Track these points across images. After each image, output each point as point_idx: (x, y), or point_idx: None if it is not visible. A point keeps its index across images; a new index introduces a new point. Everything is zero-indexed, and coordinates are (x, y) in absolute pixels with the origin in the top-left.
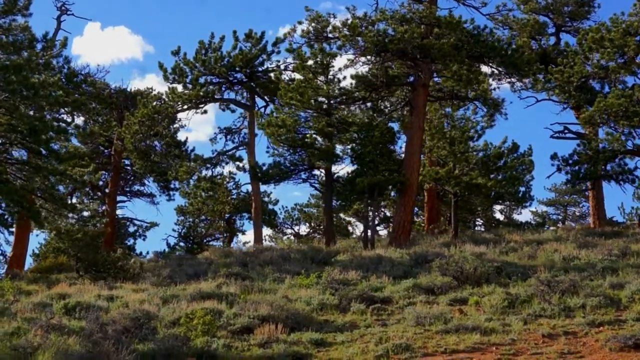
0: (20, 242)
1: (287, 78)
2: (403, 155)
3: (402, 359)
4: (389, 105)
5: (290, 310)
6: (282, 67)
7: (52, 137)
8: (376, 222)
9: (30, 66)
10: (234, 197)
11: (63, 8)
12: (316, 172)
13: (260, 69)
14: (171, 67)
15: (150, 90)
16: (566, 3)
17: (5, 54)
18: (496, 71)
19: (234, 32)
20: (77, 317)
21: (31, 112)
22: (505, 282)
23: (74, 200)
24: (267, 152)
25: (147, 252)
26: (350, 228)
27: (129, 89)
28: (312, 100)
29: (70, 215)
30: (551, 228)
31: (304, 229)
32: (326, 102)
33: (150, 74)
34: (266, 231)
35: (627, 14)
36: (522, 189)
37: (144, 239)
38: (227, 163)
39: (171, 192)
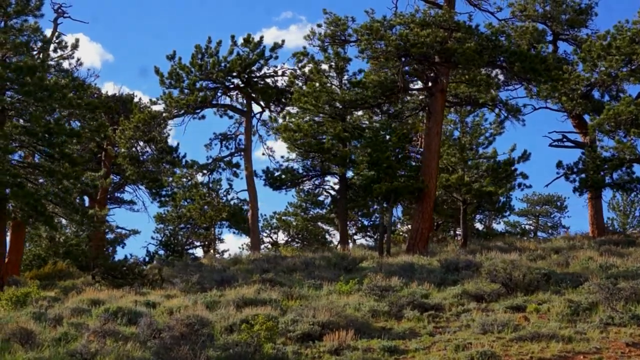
0: (16, 248)
1: (284, 84)
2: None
3: None
4: (404, 111)
5: (349, 317)
6: (279, 72)
7: (65, 141)
8: (354, 230)
9: (44, 67)
10: (230, 203)
11: (60, 11)
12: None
13: (257, 74)
14: (167, 71)
15: (133, 95)
16: (564, 11)
17: (17, 54)
18: (507, 77)
19: (232, 36)
20: (120, 322)
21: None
22: (556, 289)
23: None
24: (271, 158)
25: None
26: (328, 237)
27: (119, 94)
28: (327, 105)
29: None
30: (560, 236)
31: (282, 237)
32: (341, 106)
33: (108, 82)
34: (244, 239)
35: (631, 21)
36: (502, 198)
37: (123, 247)
38: (224, 169)
39: (162, 199)
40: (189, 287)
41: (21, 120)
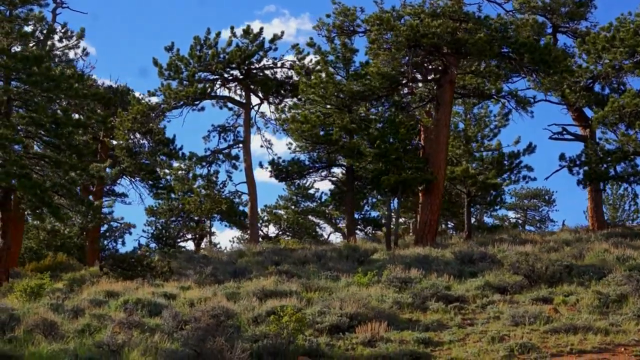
0: (15, 240)
1: (283, 76)
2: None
3: (529, 358)
4: (410, 102)
5: (376, 308)
6: (279, 64)
7: (72, 131)
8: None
9: (50, 57)
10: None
11: (58, 1)
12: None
13: (257, 65)
14: (166, 63)
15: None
16: (564, 3)
17: (24, 44)
18: (511, 69)
19: (232, 27)
20: (141, 314)
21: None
22: (579, 281)
23: None
24: (270, 150)
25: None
26: (318, 229)
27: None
28: (334, 97)
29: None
30: (561, 229)
31: (272, 230)
32: (348, 98)
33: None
34: (235, 232)
35: (634, 14)
36: (494, 192)
37: (114, 239)
38: (223, 161)
39: (159, 192)
40: (203, 279)
41: (21, 110)
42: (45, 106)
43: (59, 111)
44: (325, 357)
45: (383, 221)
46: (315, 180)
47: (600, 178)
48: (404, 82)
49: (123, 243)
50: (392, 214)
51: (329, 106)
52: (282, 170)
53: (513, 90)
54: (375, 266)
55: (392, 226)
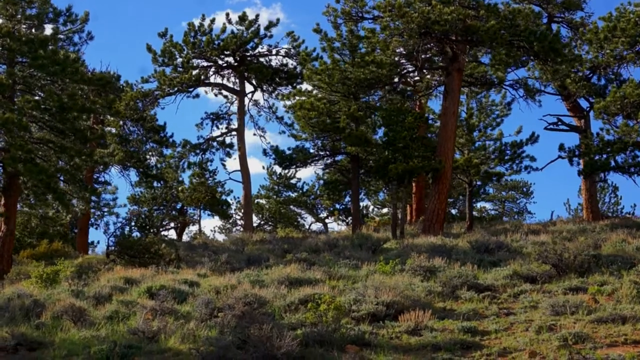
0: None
1: (278, 63)
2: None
3: (585, 348)
4: (417, 90)
5: (411, 297)
6: (274, 51)
7: (77, 117)
8: (325, 214)
9: (55, 40)
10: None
11: None
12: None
13: (251, 52)
14: (160, 49)
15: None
16: None
17: (29, 27)
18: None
19: (227, 14)
20: (166, 301)
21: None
22: (610, 270)
23: None
24: (263, 139)
25: (98, 241)
26: (300, 219)
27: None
28: (340, 84)
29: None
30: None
31: (255, 220)
32: (354, 85)
33: None
34: (217, 222)
35: (633, 4)
36: (478, 183)
37: (96, 228)
38: (217, 149)
39: (148, 180)
40: (218, 267)
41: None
42: (51, 90)
43: (64, 96)
44: (373, 346)
45: (363, 211)
46: (320, 169)
47: (601, 168)
48: (412, 70)
49: (131, 230)
50: (398, 203)
51: (335, 93)
52: (286, 158)
53: (522, 78)
54: (390, 255)
55: (397, 216)
